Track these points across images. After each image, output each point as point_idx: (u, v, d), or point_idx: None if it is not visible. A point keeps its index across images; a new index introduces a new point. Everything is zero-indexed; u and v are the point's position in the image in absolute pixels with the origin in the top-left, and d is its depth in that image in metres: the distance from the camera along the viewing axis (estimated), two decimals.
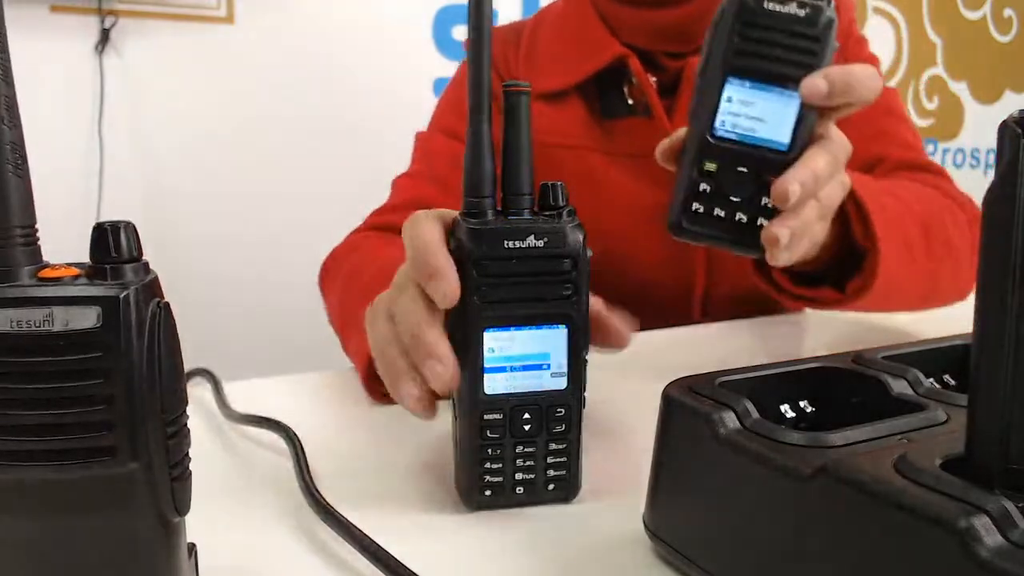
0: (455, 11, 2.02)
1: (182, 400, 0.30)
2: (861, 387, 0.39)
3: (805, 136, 0.51)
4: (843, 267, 0.67)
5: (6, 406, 0.27)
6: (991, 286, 0.26)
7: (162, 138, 1.78)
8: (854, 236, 0.65)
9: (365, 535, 0.39)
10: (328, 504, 0.43)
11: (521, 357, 0.44)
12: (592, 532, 0.43)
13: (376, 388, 0.60)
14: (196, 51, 1.79)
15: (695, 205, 0.52)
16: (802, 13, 0.50)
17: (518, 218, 0.43)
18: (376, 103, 1.90)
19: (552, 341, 0.44)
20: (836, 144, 0.53)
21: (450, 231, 0.44)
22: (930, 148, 2.85)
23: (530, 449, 0.45)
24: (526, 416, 0.44)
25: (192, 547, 0.34)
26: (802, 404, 0.40)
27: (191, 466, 0.31)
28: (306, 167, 1.87)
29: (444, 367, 0.42)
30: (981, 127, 2.92)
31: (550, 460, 0.45)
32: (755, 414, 0.35)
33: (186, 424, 0.31)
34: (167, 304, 0.29)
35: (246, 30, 1.83)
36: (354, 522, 0.40)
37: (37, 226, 0.29)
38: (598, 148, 0.91)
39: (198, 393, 0.65)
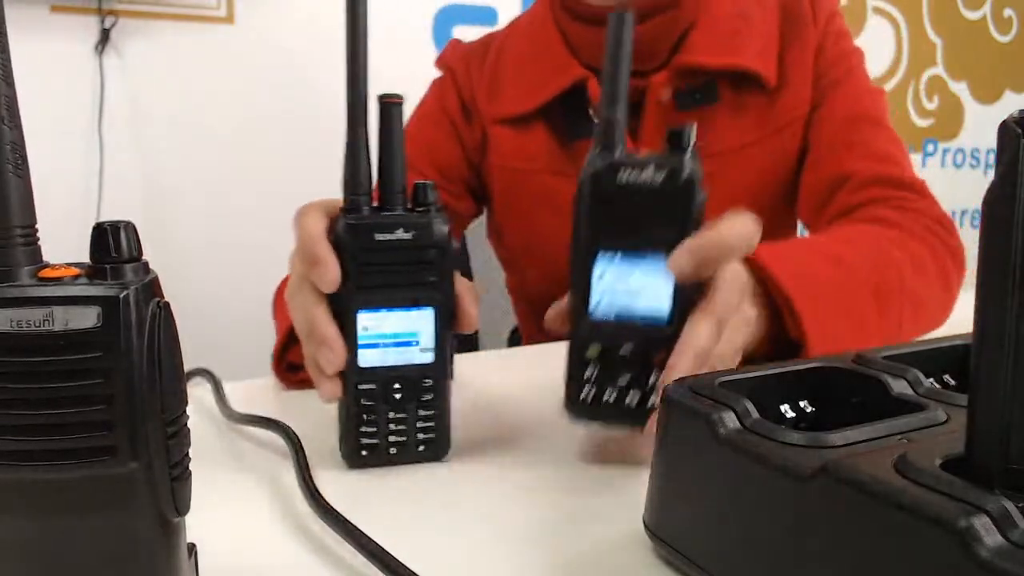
0: (455, 11, 2.02)
1: (182, 400, 0.30)
2: (861, 387, 0.39)
3: (687, 299, 0.47)
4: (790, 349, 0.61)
5: (6, 406, 0.27)
6: (991, 286, 0.26)
7: (162, 138, 1.78)
8: (787, 329, 0.60)
9: (365, 535, 0.39)
10: (328, 504, 0.43)
11: (393, 335, 0.50)
12: (592, 532, 0.43)
13: (285, 375, 0.68)
14: (196, 51, 1.79)
15: (584, 391, 0.49)
16: (659, 179, 0.47)
17: (391, 214, 0.49)
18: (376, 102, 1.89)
19: (421, 321, 0.50)
20: (721, 298, 0.48)
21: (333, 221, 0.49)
22: (930, 148, 2.85)
23: (402, 415, 0.51)
24: (397, 386, 0.51)
25: (192, 547, 0.34)
26: (802, 404, 0.40)
27: (191, 466, 0.31)
28: (306, 167, 1.86)
29: (334, 353, 0.49)
30: (981, 127, 2.92)
31: (420, 424, 0.51)
32: (755, 414, 0.35)
33: (186, 424, 0.31)
34: (167, 304, 0.29)
35: (246, 30, 1.83)
36: (354, 522, 0.41)
37: (37, 226, 0.29)
38: (562, 171, 0.89)
39: (198, 393, 0.65)
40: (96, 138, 1.71)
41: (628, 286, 0.48)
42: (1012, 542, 0.24)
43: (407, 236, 0.48)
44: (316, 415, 0.59)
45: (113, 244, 0.28)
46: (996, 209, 0.26)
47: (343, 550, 0.41)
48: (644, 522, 0.40)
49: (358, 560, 0.39)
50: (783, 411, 0.40)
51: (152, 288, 0.29)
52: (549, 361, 0.53)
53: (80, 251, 0.29)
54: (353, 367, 0.50)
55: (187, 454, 0.31)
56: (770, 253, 0.59)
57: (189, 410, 0.31)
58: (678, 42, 0.86)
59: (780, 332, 0.60)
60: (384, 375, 0.50)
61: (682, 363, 0.46)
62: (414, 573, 0.36)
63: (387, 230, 0.48)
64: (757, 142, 0.88)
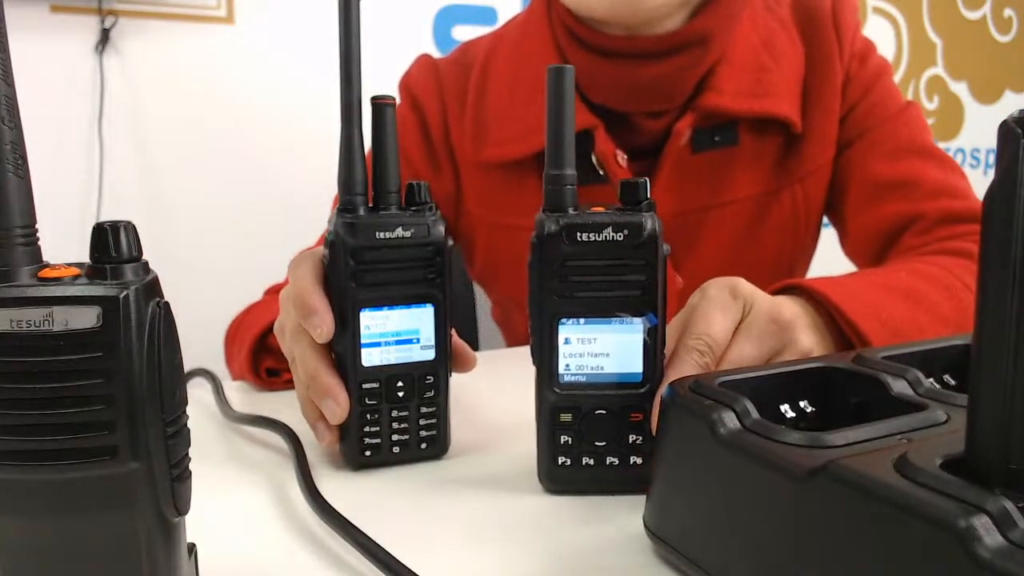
0: (455, 11, 2.02)
1: (182, 400, 0.30)
2: (861, 387, 0.39)
3: (660, 357, 0.46)
4: None
5: (6, 406, 0.27)
6: (991, 286, 0.26)
7: (162, 138, 1.78)
8: None
9: (365, 535, 0.39)
10: (328, 504, 0.43)
11: (394, 333, 0.50)
12: (592, 532, 0.43)
13: (267, 380, 0.68)
14: (196, 51, 1.79)
15: (561, 459, 0.47)
16: (620, 238, 0.44)
17: (388, 213, 0.50)
18: None
19: (421, 318, 0.50)
20: (701, 326, 0.47)
21: (325, 241, 0.49)
22: None
23: (404, 413, 0.51)
24: (399, 384, 0.51)
25: (192, 547, 0.34)
26: (802, 404, 0.40)
27: (191, 466, 0.31)
28: (306, 167, 1.87)
29: (338, 405, 0.49)
30: (981, 127, 2.92)
31: (422, 422, 0.52)
32: (755, 414, 0.35)
33: (186, 424, 0.31)
34: (167, 304, 0.29)
35: (246, 30, 1.83)
36: (354, 522, 0.40)
37: (37, 226, 0.29)
38: None
39: (198, 393, 0.65)
40: (96, 138, 1.70)
41: (596, 348, 0.46)
42: (1012, 542, 0.24)
43: (406, 234, 0.49)
44: None
45: (113, 244, 0.28)
46: (996, 209, 0.26)
47: (343, 550, 0.41)
48: (644, 522, 0.40)
49: (358, 560, 0.39)
50: (783, 411, 0.40)
51: (152, 288, 0.29)
52: None
53: (80, 251, 0.29)
54: (357, 367, 0.50)
55: (187, 454, 0.31)
56: (838, 291, 0.56)
57: (189, 410, 0.31)
58: (701, 78, 0.79)
59: None
60: (386, 373, 0.50)
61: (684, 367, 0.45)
62: (414, 573, 0.36)
63: (386, 228, 0.49)
64: (776, 191, 0.82)
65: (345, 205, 0.49)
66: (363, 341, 0.49)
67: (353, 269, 0.48)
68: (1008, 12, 2.95)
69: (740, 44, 0.79)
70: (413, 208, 0.50)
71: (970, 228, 0.75)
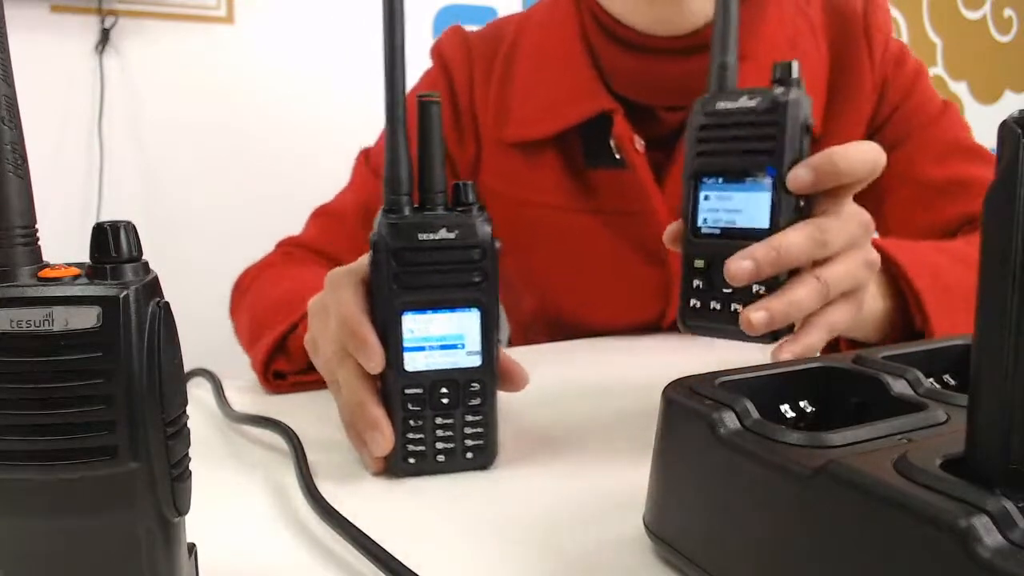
0: (455, 11, 2.02)
1: (182, 400, 0.30)
2: (861, 387, 0.39)
3: (787, 218, 0.50)
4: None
5: (6, 406, 0.27)
6: (991, 286, 0.26)
7: (162, 138, 1.78)
8: (913, 320, 0.61)
9: (365, 535, 0.39)
10: (328, 504, 0.43)
11: (438, 338, 0.49)
12: (592, 532, 0.43)
13: (274, 383, 0.67)
14: (196, 51, 1.79)
15: (692, 301, 0.53)
16: (752, 104, 0.51)
17: (432, 213, 0.48)
18: (376, 103, 1.89)
19: (466, 323, 0.49)
20: (831, 222, 0.50)
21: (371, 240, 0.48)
22: None
23: (449, 420, 0.50)
24: (444, 391, 0.49)
25: (192, 547, 0.34)
26: (802, 404, 0.40)
27: (191, 466, 0.31)
28: (306, 167, 1.87)
29: (384, 437, 0.48)
30: (981, 127, 2.91)
31: (468, 431, 0.50)
32: (755, 414, 0.35)
33: (186, 424, 0.31)
34: (167, 304, 0.29)
35: (246, 30, 1.83)
36: (354, 522, 0.40)
37: (37, 226, 0.29)
38: (575, 206, 0.82)
39: (198, 393, 0.65)
40: (96, 138, 1.70)
41: (731, 205, 0.52)
42: (1012, 542, 0.24)
43: (451, 236, 0.48)
44: (316, 415, 0.59)
45: (113, 244, 0.28)
46: (996, 209, 0.26)
47: (343, 550, 0.41)
48: (644, 522, 0.40)
49: (358, 560, 0.39)
50: (783, 411, 0.40)
51: (152, 288, 0.29)
52: (546, 360, 0.53)
53: (80, 251, 0.29)
54: (400, 371, 0.49)
55: (187, 454, 0.31)
56: (897, 246, 0.60)
57: (189, 410, 0.31)
58: None
59: (906, 325, 0.61)
60: (430, 379, 0.49)
61: (754, 250, 0.48)
62: (414, 573, 0.36)
63: (430, 230, 0.47)
64: None
65: (390, 205, 0.48)
66: (406, 345, 0.48)
67: (395, 271, 0.47)
68: (1008, 12, 2.95)
69: (765, 43, 0.80)
70: (459, 208, 0.49)
71: None
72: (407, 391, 0.49)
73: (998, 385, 0.26)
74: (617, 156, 0.80)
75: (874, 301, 0.60)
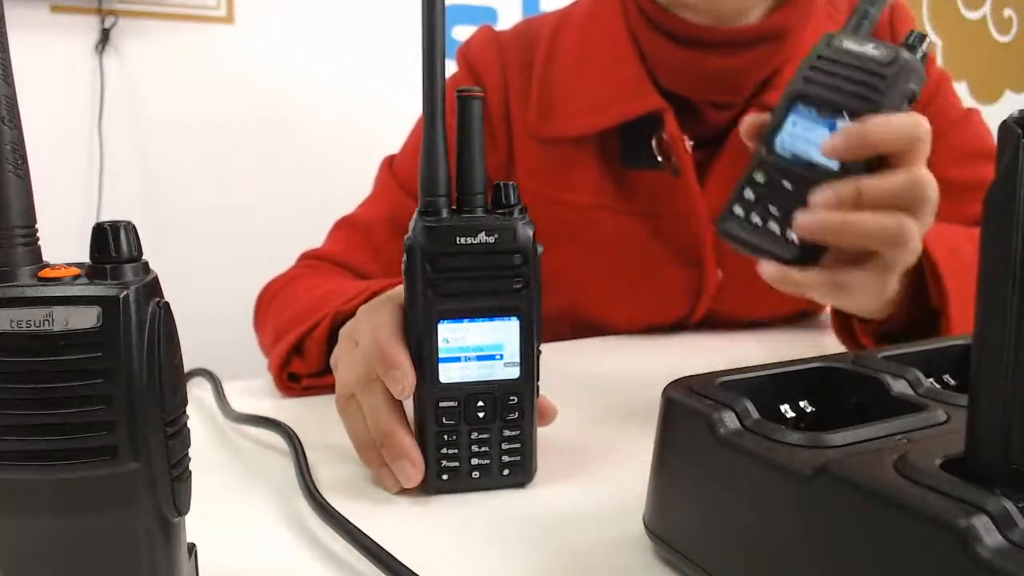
0: (456, 11, 2.02)
1: (182, 400, 0.30)
2: (861, 387, 0.39)
3: (857, 169, 0.51)
4: (930, 322, 0.63)
5: (6, 406, 0.27)
6: (991, 286, 0.26)
7: (162, 138, 1.78)
8: (930, 296, 0.61)
9: (365, 535, 0.39)
10: (328, 504, 0.43)
11: (475, 348, 0.46)
12: (592, 532, 0.43)
13: (288, 385, 0.65)
14: (196, 51, 1.79)
15: (737, 208, 0.54)
16: (875, 53, 0.52)
17: (471, 215, 0.46)
18: (376, 103, 1.90)
19: (505, 332, 0.46)
20: (904, 180, 0.50)
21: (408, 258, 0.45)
22: None
23: (485, 435, 0.47)
24: (480, 404, 0.47)
25: (192, 547, 0.34)
26: (802, 404, 0.40)
27: (191, 466, 0.31)
28: (306, 167, 1.87)
29: (414, 467, 0.46)
30: None
31: (504, 446, 0.47)
32: (755, 414, 0.35)
33: (186, 424, 0.31)
34: (167, 304, 0.29)
35: (246, 30, 1.83)
36: (354, 522, 0.40)
37: (37, 226, 0.29)
38: (612, 206, 0.81)
39: (198, 393, 0.65)
40: (96, 138, 1.71)
41: (812, 137, 0.52)
42: (1012, 542, 0.24)
43: (490, 240, 0.45)
44: (316, 415, 0.59)
45: (113, 244, 0.28)
46: (996, 209, 0.26)
47: (343, 550, 0.41)
48: (644, 522, 0.40)
49: (358, 560, 0.39)
50: (783, 411, 0.40)
51: (152, 288, 0.29)
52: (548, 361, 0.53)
53: (80, 251, 0.29)
54: (434, 383, 0.46)
55: (187, 454, 0.31)
56: None
57: (189, 410, 0.31)
58: (768, 75, 0.79)
59: (918, 306, 0.62)
60: (466, 391, 0.46)
61: (841, 185, 0.49)
62: (413, 572, 0.36)
63: (468, 233, 0.44)
64: None
65: (426, 207, 0.45)
66: (441, 355, 0.46)
67: (431, 277, 0.45)
68: (1008, 12, 2.95)
69: (806, 45, 0.81)
70: (500, 211, 0.46)
71: None
72: (441, 404, 0.46)
73: (998, 385, 0.26)
74: (659, 158, 0.78)
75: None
